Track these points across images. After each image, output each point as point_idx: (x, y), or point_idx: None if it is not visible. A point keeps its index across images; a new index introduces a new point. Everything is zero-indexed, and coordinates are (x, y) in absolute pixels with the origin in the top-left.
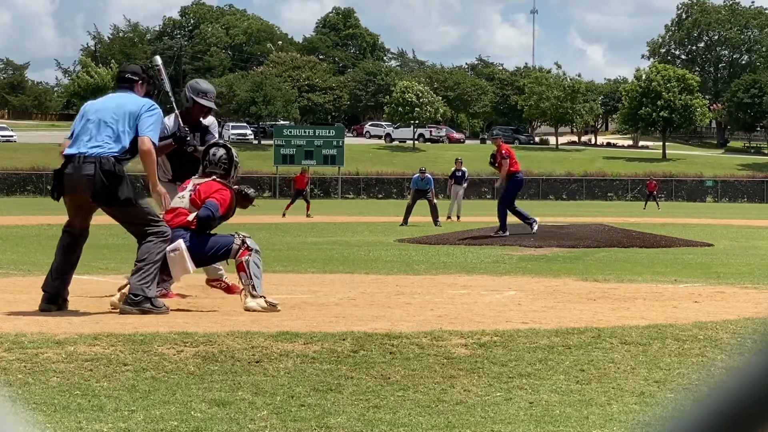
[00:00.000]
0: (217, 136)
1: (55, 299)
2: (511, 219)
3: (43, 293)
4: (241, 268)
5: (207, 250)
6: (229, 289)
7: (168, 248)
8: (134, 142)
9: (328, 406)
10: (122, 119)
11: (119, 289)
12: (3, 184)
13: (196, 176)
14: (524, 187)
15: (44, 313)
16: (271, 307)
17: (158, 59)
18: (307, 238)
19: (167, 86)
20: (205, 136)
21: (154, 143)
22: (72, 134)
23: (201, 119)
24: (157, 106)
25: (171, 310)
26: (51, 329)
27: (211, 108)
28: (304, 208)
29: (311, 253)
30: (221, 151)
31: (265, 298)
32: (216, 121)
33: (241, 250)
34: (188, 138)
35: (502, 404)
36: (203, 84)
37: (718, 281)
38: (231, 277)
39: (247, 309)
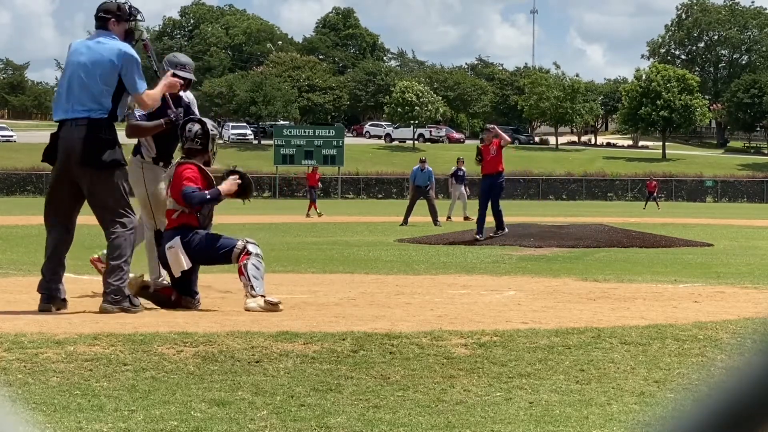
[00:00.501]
0: (197, 113)
1: (52, 298)
2: (504, 219)
3: (40, 294)
4: (240, 271)
5: (208, 249)
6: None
7: (165, 245)
8: (117, 96)
9: (328, 406)
10: (98, 79)
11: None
12: (3, 184)
13: (169, 166)
14: (524, 187)
15: (44, 313)
16: (272, 306)
17: (144, 34)
18: (307, 238)
19: (155, 65)
20: (187, 115)
21: (146, 90)
22: (60, 91)
23: (181, 93)
24: (129, 50)
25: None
26: (51, 329)
27: (190, 80)
28: (306, 207)
29: (311, 253)
30: (196, 127)
31: (265, 297)
32: (194, 98)
33: (241, 255)
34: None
35: (502, 404)
36: (181, 57)
37: (718, 281)
38: (229, 278)
39: (247, 309)
